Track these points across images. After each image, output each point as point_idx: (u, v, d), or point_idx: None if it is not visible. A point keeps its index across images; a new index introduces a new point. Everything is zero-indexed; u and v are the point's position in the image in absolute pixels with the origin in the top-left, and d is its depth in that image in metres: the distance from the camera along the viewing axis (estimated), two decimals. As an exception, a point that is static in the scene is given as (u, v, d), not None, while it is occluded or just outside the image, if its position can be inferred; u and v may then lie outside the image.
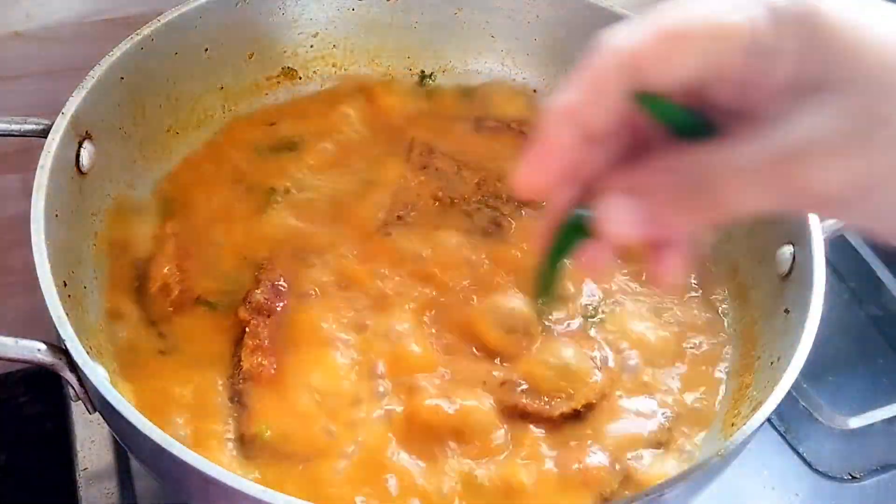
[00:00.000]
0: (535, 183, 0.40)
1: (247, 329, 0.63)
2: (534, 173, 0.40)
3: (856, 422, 0.77)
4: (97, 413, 0.57)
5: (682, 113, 0.39)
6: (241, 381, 0.62)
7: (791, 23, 0.37)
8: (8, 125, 0.64)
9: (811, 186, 0.36)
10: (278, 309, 0.65)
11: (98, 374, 0.53)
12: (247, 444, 0.59)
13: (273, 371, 0.62)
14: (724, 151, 0.37)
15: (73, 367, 0.54)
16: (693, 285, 0.71)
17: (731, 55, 0.37)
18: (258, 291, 0.65)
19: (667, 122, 0.39)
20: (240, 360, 0.62)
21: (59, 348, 0.55)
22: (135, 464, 0.70)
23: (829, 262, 0.63)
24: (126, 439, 0.57)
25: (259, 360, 0.62)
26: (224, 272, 0.68)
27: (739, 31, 0.37)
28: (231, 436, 0.59)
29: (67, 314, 0.55)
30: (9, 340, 0.55)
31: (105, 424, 0.58)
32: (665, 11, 0.37)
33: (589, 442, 0.61)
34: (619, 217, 0.38)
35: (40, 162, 0.60)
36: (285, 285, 0.66)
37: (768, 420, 0.56)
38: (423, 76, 0.83)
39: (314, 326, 0.64)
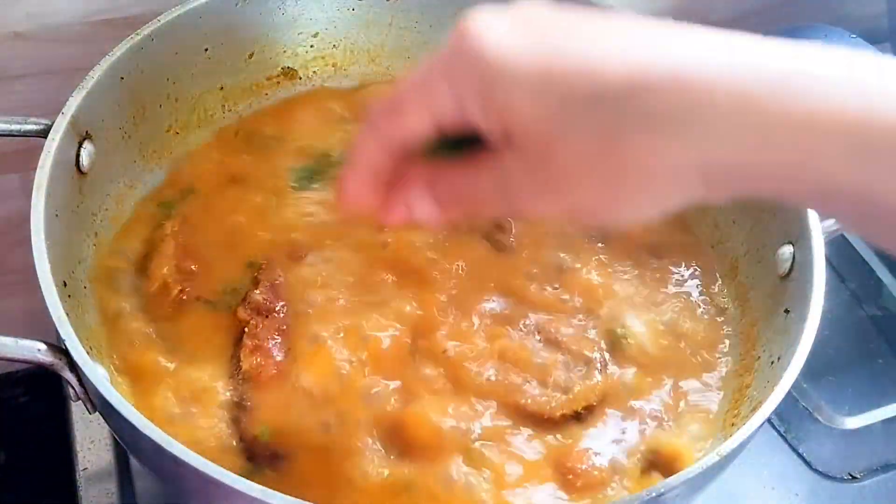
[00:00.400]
0: (352, 205, 0.48)
1: (245, 329, 0.64)
2: (350, 200, 0.48)
3: (855, 422, 0.77)
4: (97, 413, 0.57)
5: (442, 147, 0.45)
6: (240, 381, 0.62)
7: (470, 89, 0.42)
8: (8, 125, 0.64)
9: (530, 213, 0.44)
10: (277, 309, 0.65)
11: (98, 374, 0.53)
12: (247, 445, 0.59)
13: (273, 371, 0.62)
14: (467, 179, 0.45)
15: (73, 367, 0.54)
16: (693, 285, 0.72)
17: (442, 117, 0.44)
18: (257, 291, 0.65)
19: (441, 157, 0.46)
20: (239, 361, 0.62)
21: (59, 348, 0.55)
22: (135, 464, 0.70)
23: (829, 262, 0.63)
24: (126, 439, 0.57)
25: (258, 360, 0.62)
26: (224, 272, 0.68)
27: (440, 103, 0.43)
28: (232, 436, 0.59)
29: (67, 314, 0.55)
30: (9, 340, 0.55)
31: (105, 424, 0.58)
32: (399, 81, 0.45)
33: (589, 442, 0.61)
34: (417, 209, 0.47)
35: (40, 162, 0.60)
36: (284, 285, 0.66)
37: (768, 420, 0.56)
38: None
39: (314, 326, 0.64)
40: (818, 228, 0.64)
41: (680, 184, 0.41)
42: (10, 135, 0.64)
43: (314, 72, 0.82)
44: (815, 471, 0.74)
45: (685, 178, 0.40)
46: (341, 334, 0.64)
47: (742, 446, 0.55)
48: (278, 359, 0.62)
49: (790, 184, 0.39)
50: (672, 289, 0.71)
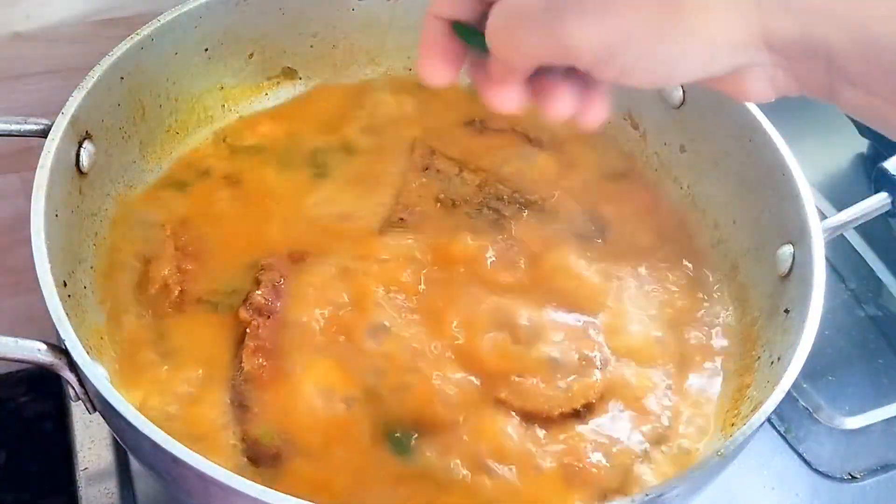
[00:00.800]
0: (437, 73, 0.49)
1: (247, 330, 0.63)
2: (430, 66, 0.49)
3: (856, 422, 0.77)
4: (97, 413, 0.57)
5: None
6: (242, 382, 0.61)
7: None
8: (8, 125, 0.64)
9: (572, 43, 0.42)
10: (279, 309, 0.65)
11: (98, 374, 0.53)
12: (248, 446, 0.59)
13: (274, 372, 0.62)
14: (504, 4, 0.44)
15: (73, 367, 0.54)
16: (693, 285, 0.71)
17: None
18: (258, 292, 0.65)
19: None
20: (241, 362, 0.62)
21: (59, 348, 0.55)
22: (135, 464, 0.70)
23: (829, 262, 0.63)
24: (126, 439, 0.57)
25: (260, 360, 0.62)
26: (224, 273, 0.68)
27: None
28: (233, 437, 0.59)
29: (67, 314, 0.55)
30: (9, 340, 0.55)
31: (105, 424, 0.58)
32: None
33: (588, 441, 0.61)
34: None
35: (40, 162, 0.60)
36: (286, 286, 0.66)
37: (768, 420, 0.56)
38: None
39: (315, 327, 0.64)
40: (818, 228, 0.64)
41: (735, 26, 0.41)
42: (10, 135, 0.64)
43: (314, 72, 0.82)
44: (815, 471, 0.74)
45: (741, 17, 0.41)
46: (343, 336, 0.64)
47: (742, 446, 0.55)
48: (281, 359, 0.62)
49: (837, 32, 0.40)
50: (672, 288, 0.71)
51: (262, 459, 0.58)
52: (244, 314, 0.64)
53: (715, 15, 0.41)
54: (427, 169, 0.75)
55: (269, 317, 0.64)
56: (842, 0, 0.40)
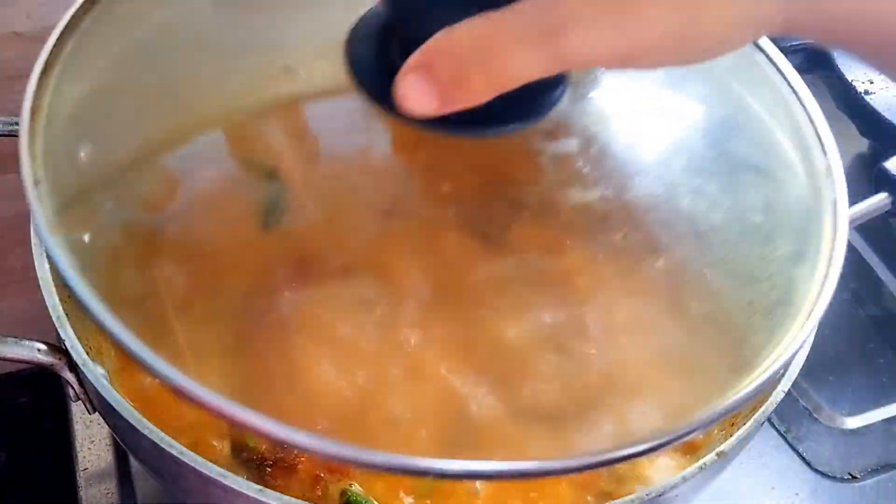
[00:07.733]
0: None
1: (245, 334, 0.63)
2: None
3: (856, 422, 0.77)
4: (97, 413, 0.57)
5: None
6: (236, 386, 0.61)
7: None
8: (8, 125, 0.64)
9: (578, 55, 0.36)
10: (276, 314, 0.64)
11: (98, 374, 0.53)
12: (238, 451, 0.59)
13: (267, 379, 0.61)
14: (499, 22, 0.37)
15: (73, 367, 0.54)
16: (692, 285, 0.71)
17: None
18: (257, 298, 0.65)
19: None
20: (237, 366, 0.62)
21: (59, 348, 0.55)
22: (135, 464, 0.70)
23: (829, 262, 0.63)
24: (126, 439, 0.57)
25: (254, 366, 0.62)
26: (230, 275, 0.68)
27: None
28: (229, 438, 0.59)
29: (67, 314, 0.55)
30: (9, 340, 0.55)
31: (105, 424, 0.58)
32: None
33: (587, 439, 0.61)
34: (410, 94, 0.42)
35: (40, 162, 0.60)
36: (287, 291, 0.66)
37: (768, 420, 0.56)
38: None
39: (312, 335, 0.64)
40: (818, 228, 0.64)
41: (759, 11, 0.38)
42: (11, 135, 0.64)
43: (314, 71, 0.82)
44: (815, 471, 0.74)
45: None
46: (340, 341, 0.64)
47: (742, 446, 0.55)
48: (275, 365, 0.62)
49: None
50: (671, 288, 0.71)
51: (257, 462, 0.58)
52: (241, 319, 0.64)
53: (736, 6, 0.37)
54: (428, 168, 0.75)
55: (266, 322, 0.64)
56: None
